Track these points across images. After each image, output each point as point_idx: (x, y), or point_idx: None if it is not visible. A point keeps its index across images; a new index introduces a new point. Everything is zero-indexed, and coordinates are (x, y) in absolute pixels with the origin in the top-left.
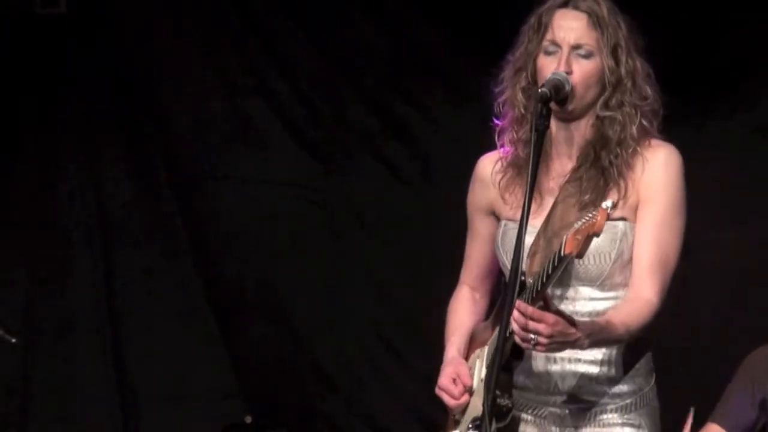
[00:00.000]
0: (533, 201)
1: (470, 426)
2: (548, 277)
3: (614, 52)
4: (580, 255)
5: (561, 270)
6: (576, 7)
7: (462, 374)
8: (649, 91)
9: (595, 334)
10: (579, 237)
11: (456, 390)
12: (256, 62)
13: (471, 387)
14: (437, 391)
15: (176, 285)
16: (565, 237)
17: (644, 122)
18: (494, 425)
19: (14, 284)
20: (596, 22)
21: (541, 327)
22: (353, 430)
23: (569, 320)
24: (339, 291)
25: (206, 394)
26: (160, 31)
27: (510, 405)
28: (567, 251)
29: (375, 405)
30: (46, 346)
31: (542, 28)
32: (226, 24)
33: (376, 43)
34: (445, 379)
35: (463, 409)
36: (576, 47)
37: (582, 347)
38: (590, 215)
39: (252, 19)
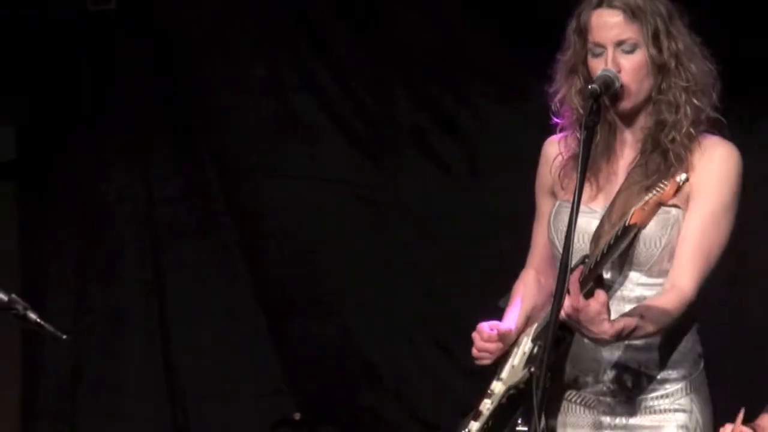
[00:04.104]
0: (592, 186)
1: (506, 398)
2: (609, 248)
3: (655, 39)
4: (644, 225)
5: (625, 243)
6: (610, 5)
7: (502, 327)
8: (694, 68)
9: (625, 336)
10: (646, 208)
11: (488, 332)
12: (305, 59)
13: (507, 334)
14: (473, 334)
15: (225, 282)
16: (632, 210)
17: (695, 101)
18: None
19: (64, 282)
20: (632, 14)
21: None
22: (401, 425)
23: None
24: (387, 287)
25: (255, 390)
26: (209, 28)
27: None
28: (632, 221)
29: (423, 401)
30: (95, 344)
31: (583, 30)
32: (274, 21)
33: (425, 39)
34: (484, 323)
35: (496, 370)
36: (619, 43)
37: (602, 345)
38: (661, 186)
39: (300, 16)
